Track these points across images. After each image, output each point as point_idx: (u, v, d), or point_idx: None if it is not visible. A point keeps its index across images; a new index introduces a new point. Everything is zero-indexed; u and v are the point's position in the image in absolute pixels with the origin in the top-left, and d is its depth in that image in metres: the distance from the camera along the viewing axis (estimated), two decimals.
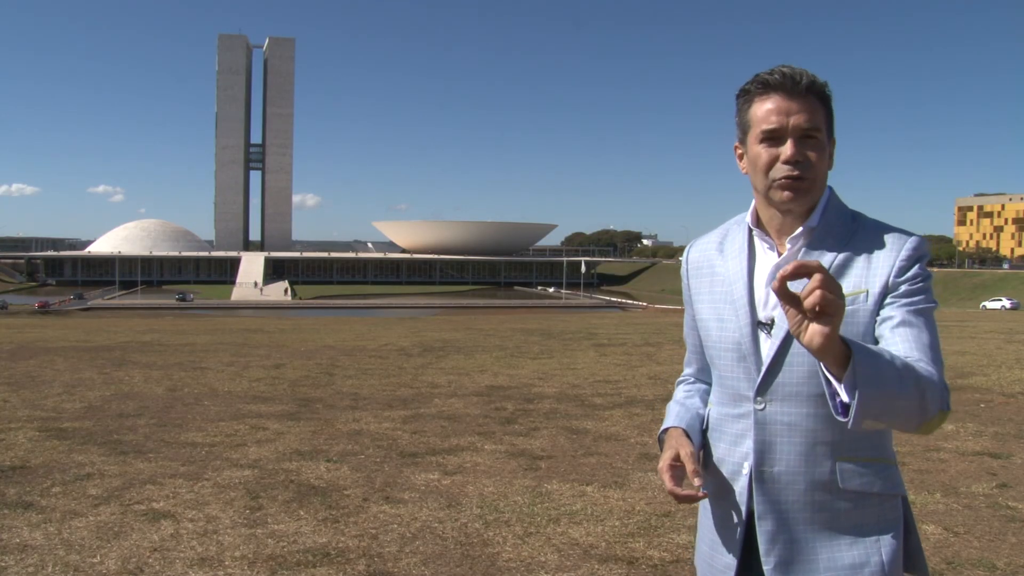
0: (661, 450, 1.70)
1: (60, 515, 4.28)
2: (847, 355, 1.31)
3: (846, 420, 1.34)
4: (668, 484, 1.60)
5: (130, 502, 4.54)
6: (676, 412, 1.76)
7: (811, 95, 1.54)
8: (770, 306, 1.59)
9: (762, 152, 1.56)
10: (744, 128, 1.61)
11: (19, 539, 3.91)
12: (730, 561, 1.63)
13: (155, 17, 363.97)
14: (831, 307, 1.27)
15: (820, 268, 1.28)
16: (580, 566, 3.66)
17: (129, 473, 5.19)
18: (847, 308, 1.48)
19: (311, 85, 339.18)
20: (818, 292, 1.26)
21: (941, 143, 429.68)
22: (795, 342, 1.54)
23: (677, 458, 1.62)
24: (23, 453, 5.72)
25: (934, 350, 1.47)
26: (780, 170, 1.55)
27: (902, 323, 1.49)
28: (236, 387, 9.36)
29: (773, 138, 1.55)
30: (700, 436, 1.72)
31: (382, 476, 5.17)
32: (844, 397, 1.34)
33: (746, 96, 1.60)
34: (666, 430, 1.72)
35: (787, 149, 1.54)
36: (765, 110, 1.55)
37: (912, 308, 1.50)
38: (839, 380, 1.33)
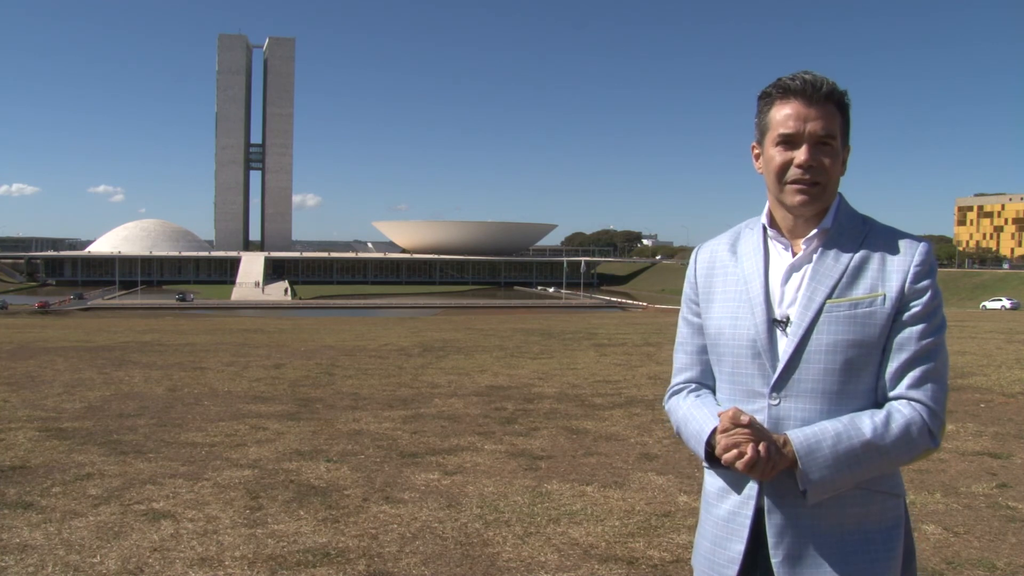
0: (712, 462, 1.63)
1: (60, 515, 4.29)
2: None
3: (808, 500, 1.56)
4: (749, 452, 1.52)
5: (130, 502, 4.54)
6: (705, 414, 1.67)
7: (830, 103, 1.60)
8: (785, 304, 1.63)
9: (776, 155, 1.62)
10: (762, 130, 1.66)
11: (19, 539, 3.91)
12: (734, 555, 1.64)
13: (155, 17, 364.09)
14: (755, 471, 1.52)
15: (742, 423, 1.53)
16: (580, 566, 3.67)
17: (129, 473, 5.20)
18: (865, 310, 1.57)
19: (311, 85, 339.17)
20: (742, 463, 1.52)
21: (941, 143, 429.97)
22: (812, 340, 1.59)
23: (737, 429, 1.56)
24: (23, 453, 5.72)
25: (936, 383, 1.58)
26: (793, 173, 1.61)
27: (911, 359, 1.57)
28: (236, 387, 9.36)
29: (789, 142, 1.61)
30: None
31: (382, 476, 5.17)
32: (801, 485, 1.54)
33: (767, 99, 1.65)
34: (712, 431, 1.62)
35: (801, 154, 1.59)
36: (784, 114, 1.61)
37: (925, 339, 1.58)
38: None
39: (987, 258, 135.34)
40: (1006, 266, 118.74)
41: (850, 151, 1.67)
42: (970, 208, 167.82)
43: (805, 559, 1.58)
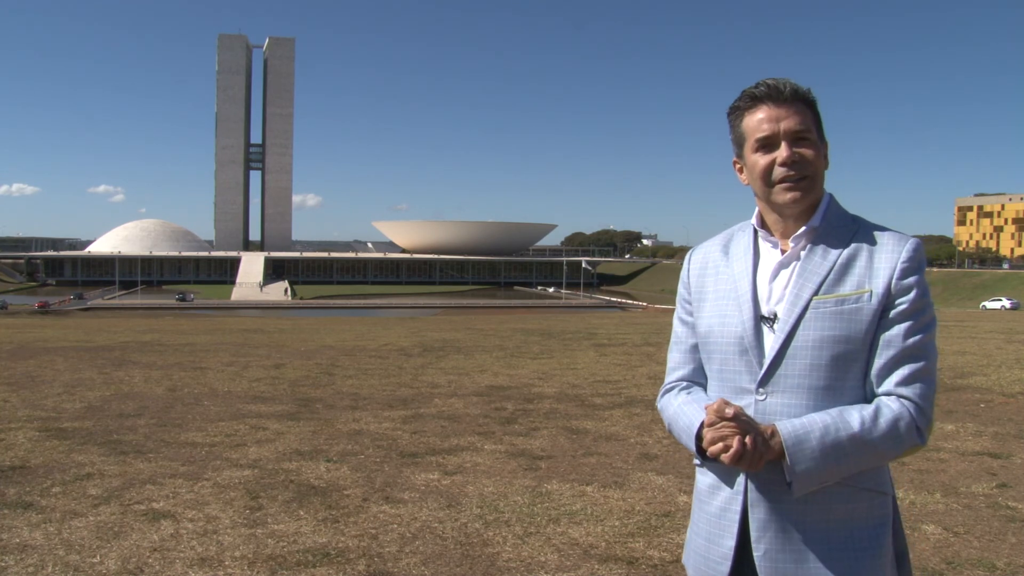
0: (704, 458, 1.63)
1: (60, 515, 4.29)
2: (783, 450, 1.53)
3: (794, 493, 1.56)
4: (735, 445, 1.52)
5: (130, 502, 4.54)
6: (695, 409, 1.68)
7: (797, 101, 1.63)
8: (773, 301, 1.65)
9: (759, 160, 1.64)
10: (739, 142, 1.69)
11: (19, 539, 3.91)
12: (726, 551, 1.66)
13: (155, 17, 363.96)
14: (742, 463, 1.53)
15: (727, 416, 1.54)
16: (580, 566, 3.67)
17: (129, 473, 5.19)
18: (851, 307, 1.58)
19: (311, 85, 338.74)
20: (727, 456, 1.53)
21: (941, 143, 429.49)
22: (799, 336, 1.60)
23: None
24: (23, 453, 5.72)
25: (925, 381, 1.56)
26: (778, 172, 1.62)
27: (899, 356, 1.56)
28: (236, 387, 9.36)
29: (768, 144, 1.63)
30: None
31: (382, 476, 5.17)
32: (788, 477, 1.54)
33: (736, 112, 1.68)
34: (701, 425, 1.63)
35: (782, 151, 1.62)
36: (756, 120, 1.64)
37: (912, 336, 1.57)
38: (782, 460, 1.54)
39: (987, 258, 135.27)
40: (1006, 266, 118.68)
41: (828, 145, 1.69)
42: (970, 208, 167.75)
43: (787, 554, 1.59)
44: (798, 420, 1.55)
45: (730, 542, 1.65)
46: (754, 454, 1.51)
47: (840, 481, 1.58)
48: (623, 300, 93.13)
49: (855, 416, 1.53)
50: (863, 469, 1.58)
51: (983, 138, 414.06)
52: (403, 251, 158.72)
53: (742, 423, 1.53)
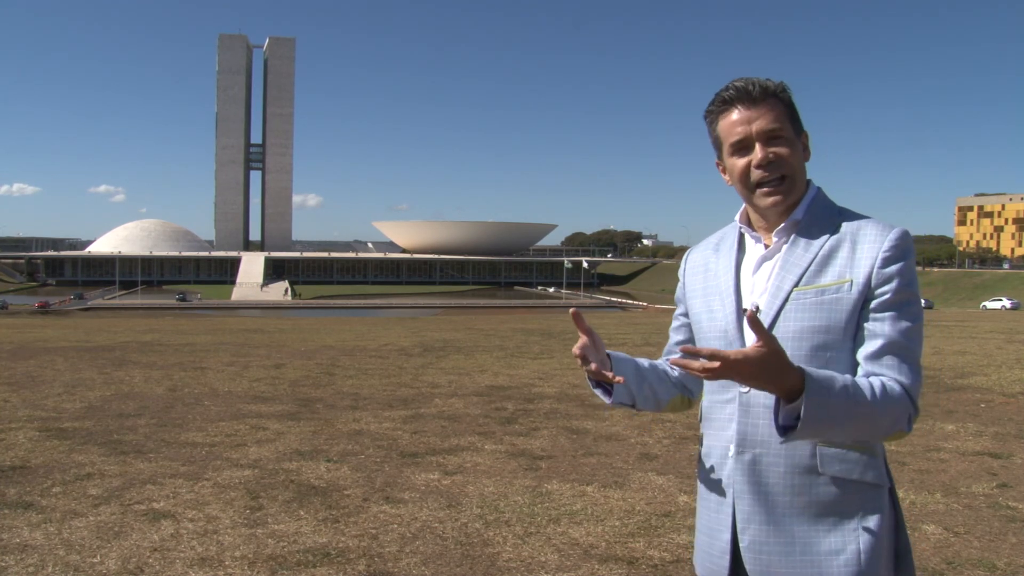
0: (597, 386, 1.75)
1: (60, 515, 4.28)
2: (798, 388, 1.40)
3: (781, 436, 1.45)
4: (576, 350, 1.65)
5: (130, 502, 4.54)
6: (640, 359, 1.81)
7: (767, 98, 1.62)
8: (756, 294, 1.66)
9: (736, 163, 1.65)
10: (717, 145, 1.70)
11: (19, 539, 3.91)
12: (724, 545, 1.65)
13: (155, 17, 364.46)
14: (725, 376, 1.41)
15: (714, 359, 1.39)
16: (580, 566, 3.67)
17: (129, 473, 5.20)
18: (832, 296, 1.57)
19: (311, 85, 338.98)
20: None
21: (941, 143, 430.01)
22: (779, 327, 1.60)
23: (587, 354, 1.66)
24: (23, 453, 5.72)
25: (913, 371, 1.54)
26: (755, 175, 1.63)
27: (887, 343, 1.54)
28: (236, 387, 9.36)
29: (742, 147, 1.64)
30: (623, 363, 1.73)
31: (382, 476, 5.17)
32: (780, 420, 1.44)
33: (711, 116, 1.69)
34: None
35: (757, 153, 1.62)
36: (729, 123, 1.64)
37: (898, 325, 1.54)
38: (785, 403, 1.43)
39: (987, 258, 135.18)
40: (1006, 266, 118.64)
41: (808, 136, 1.68)
42: (970, 208, 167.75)
43: (772, 546, 1.58)
44: (822, 370, 1.47)
45: (726, 535, 1.65)
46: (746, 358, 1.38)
47: (828, 473, 1.56)
48: (623, 300, 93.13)
49: (866, 383, 1.49)
50: (857, 438, 1.55)
51: (983, 138, 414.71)
52: (403, 251, 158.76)
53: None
